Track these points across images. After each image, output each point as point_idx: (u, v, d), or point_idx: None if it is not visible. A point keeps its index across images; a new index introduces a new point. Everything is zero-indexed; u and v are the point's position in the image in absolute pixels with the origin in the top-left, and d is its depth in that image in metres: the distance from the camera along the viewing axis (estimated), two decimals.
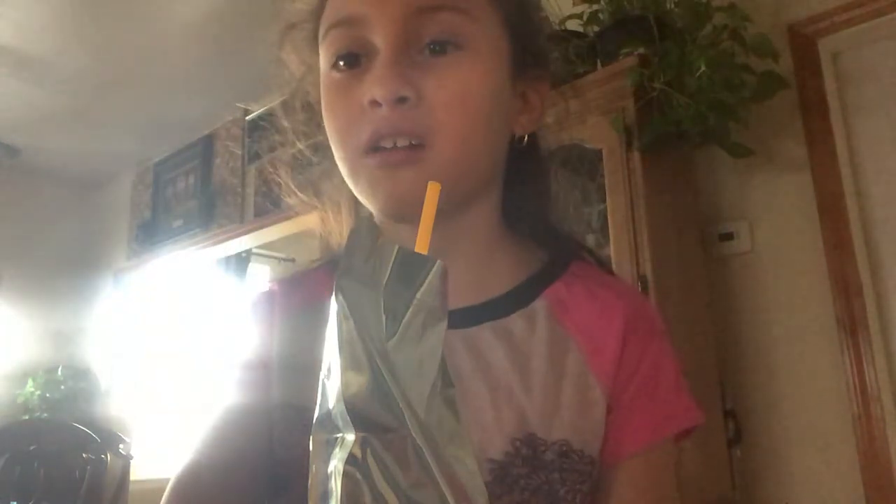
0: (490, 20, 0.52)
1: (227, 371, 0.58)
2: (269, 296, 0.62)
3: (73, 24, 2.87)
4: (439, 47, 0.49)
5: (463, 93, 0.49)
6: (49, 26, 2.87)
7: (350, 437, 0.29)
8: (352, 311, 0.31)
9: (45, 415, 3.81)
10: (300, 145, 0.62)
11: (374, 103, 0.48)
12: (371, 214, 0.55)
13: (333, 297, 0.31)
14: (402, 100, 0.47)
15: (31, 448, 2.06)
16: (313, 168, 0.63)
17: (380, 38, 0.49)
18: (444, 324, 0.31)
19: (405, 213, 0.49)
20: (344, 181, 0.55)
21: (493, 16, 0.52)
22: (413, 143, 0.48)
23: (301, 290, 0.61)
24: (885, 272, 1.72)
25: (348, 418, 0.29)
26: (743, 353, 1.83)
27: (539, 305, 0.54)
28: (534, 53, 0.57)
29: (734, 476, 1.74)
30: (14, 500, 2.02)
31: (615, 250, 1.66)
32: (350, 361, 0.30)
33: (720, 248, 1.90)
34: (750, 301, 1.85)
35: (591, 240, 1.86)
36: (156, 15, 2.82)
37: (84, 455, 2.05)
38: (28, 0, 2.68)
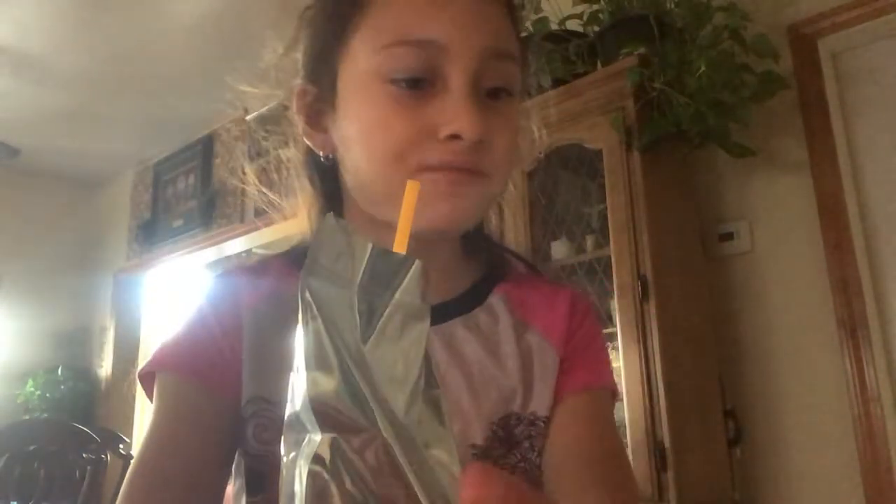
0: (523, 65, 0.57)
1: (189, 362, 0.56)
2: (234, 284, 0.61)
3: (73, 24, 2.87)
4: (495, 92, 0.53)
5: (512, 138, 0.54)
6: (49, 26, 2.87)
7: (317, 437, 0.28)
8: (320, 310, 0.30)
9: (45, 415, 3.81)
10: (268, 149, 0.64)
11: (456, 137, 0.49)
12: (333, 214, 0.56)
13: (299, 296, 0.31)
14: (480, 141, 0.50)
15: (31, 448, 2.06)
16: (282, 169, 0.64)
17: (458, 70, 0.50)
18: (426, 323, 0.30)
19: (453, 228, 0.53)
20: (311, 182, 0.59)
21: (524, 60, 0.57)
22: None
23: (266, 280, 0.60)
24: (885, 272, 1.72)
25: (314, 419, 0.28)
26: (743, 353, 1.84)
27: (495, 300, 0.61)
28: (525, 93, 0.63)
29: (734, 476, 1.74)
30: (14, 500, 2.02)
31: (615, 250, 1.66)
32: (318, 361, 0.29)
33: (720, 248, 1.90)
34: (750, 301, 1.85)
35: (590, 240, 1.86)
36: (156, 15, 2.82)
37: (84, 455, 2.05)
38: (28, 0, 2.69)
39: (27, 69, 3.18)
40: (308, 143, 0.59)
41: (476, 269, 0.64)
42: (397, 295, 0.30)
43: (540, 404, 0.57)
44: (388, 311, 0.30)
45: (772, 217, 1.84)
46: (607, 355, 0.65)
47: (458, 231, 0.55)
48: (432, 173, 0.50)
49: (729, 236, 1.89)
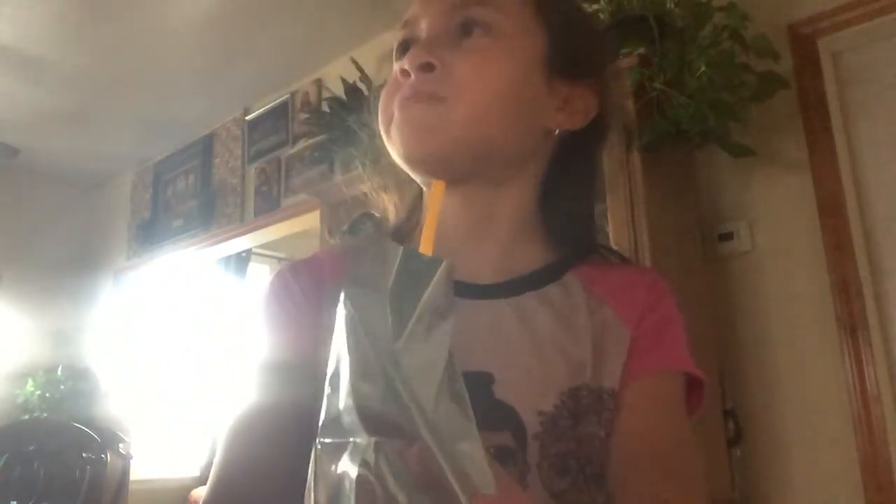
0: (521, 16, 0.59)
1: (263, 362, 0.57)
2: (317, 262, 0.62)
3: (73, 24, 2.87)
4: (467, 30, 0.57)
5: (481, 66, 0.56)
6: (49, 26, 2.87)
7: (362, 441, 0.29)
8: (361, 318, 0.31)
9: (45, 415, 3.81)
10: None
11: (405, 72, 0.56)
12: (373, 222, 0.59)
13: (340, 305, 0.32)
14: (426, 66, 0.55)
15: (31, 448, 2.06)
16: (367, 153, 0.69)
17: (423, 31, 0.59)
18: (451, 321, 0.32)
19: (420, 151, 0.56)
20: (391, 162, 0.61)
21: (526, 14, 0.59)
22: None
23: (348, 260, 0.61)
24: (885, 272, 1.72)
25: (360, 423, 0.29)
26: (743, 353, 1.83)
27: (570, 279, 0.61)
28: (578, 62, 0.61)
29: (734, 476, 1.74)
30: (14, 500, 2.02)
31: None
32: (360, 368, 0.30)
33: (720, 248, 1.90)
34: (750, 301, 1.85)
35: None
36: (156, 15, 2.82)
37: (84, 455, 2.05)
38: (28, 0, 2.69)
39: (27, 69, 3.18)
40: None
41: (555, 250, 0.63)
42: (425, 296, 0.32)
43: (609, 379, 0.56)
44: (416, 312, 0.31)
45: (772, 217, 1.84)
46: (683, 340, 0.63)
47: (435, 156, 0.55)
48: (395, 113, 0.57)
49: (729, 236, 1.89)
